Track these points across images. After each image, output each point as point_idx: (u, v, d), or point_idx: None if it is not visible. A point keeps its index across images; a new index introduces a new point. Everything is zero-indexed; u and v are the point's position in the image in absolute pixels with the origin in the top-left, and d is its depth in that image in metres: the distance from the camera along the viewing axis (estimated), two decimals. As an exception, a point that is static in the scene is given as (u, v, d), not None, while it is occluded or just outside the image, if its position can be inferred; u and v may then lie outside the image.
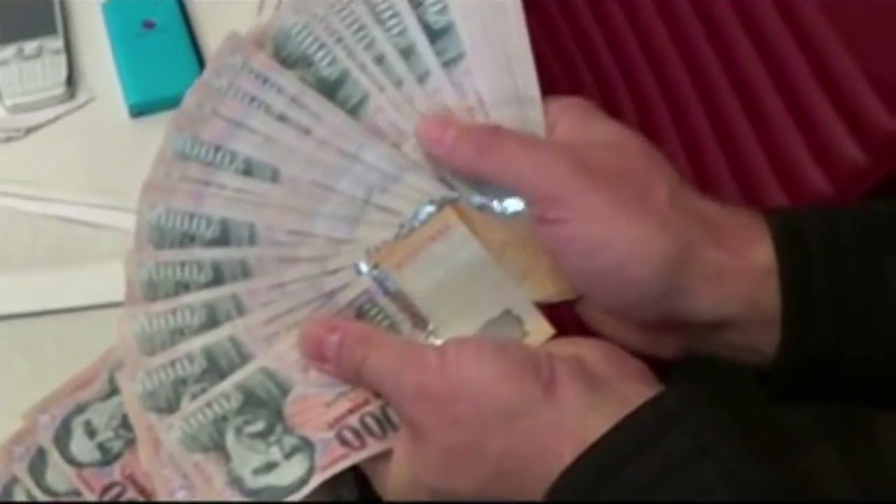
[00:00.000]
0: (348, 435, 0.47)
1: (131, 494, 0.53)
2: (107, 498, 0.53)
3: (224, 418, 0.48)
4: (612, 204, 0.46)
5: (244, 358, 0.48)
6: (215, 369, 0.48)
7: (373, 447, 0.47)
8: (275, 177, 0.49)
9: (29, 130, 0.73)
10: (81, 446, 0.54)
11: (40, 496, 0.53)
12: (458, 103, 0.51)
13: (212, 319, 0.48)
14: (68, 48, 0.76)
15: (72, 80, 0.74)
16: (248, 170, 0.49)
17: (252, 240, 0.49)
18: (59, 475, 0.53)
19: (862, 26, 0.71)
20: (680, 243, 0.46)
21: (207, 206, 0.49)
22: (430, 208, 0.49)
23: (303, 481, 0.47)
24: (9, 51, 0.74)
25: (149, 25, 0.77)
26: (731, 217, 0.48)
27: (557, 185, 0.46)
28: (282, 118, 0.49)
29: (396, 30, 0.51)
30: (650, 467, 0.40)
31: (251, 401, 0.48)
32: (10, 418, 0.55)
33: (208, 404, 0.48)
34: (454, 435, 0.44)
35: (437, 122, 0.50)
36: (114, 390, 0.56)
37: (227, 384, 0.48)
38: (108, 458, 0.54)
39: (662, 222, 0.46)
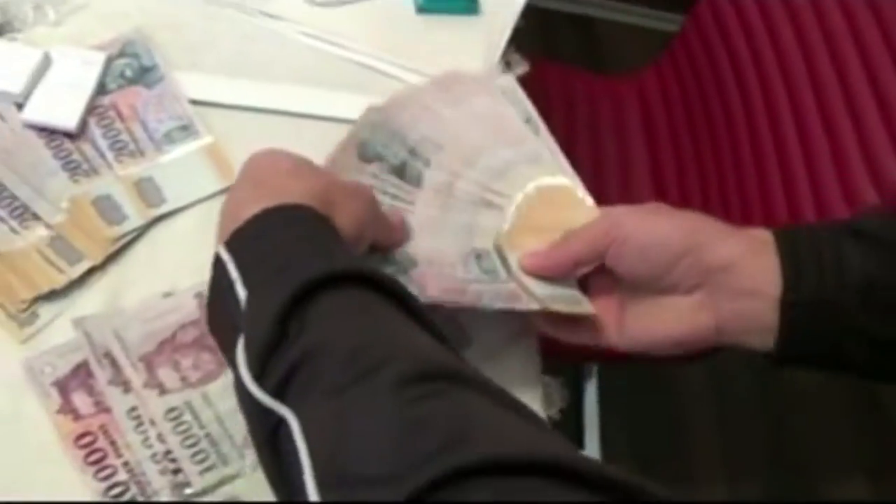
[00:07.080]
0: None
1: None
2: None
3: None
4: (638, 211, 0.65)
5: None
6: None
7: None
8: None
9: (343, 2, 0.92)
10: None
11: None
12: None
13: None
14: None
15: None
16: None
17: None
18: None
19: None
20: (690, 227, 0.62)
21: None
22: None
23: None
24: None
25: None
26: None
27: (605, 226, 0.65)
28: None
29: None
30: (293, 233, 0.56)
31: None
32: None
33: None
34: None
35: (538, 258, 0.69)
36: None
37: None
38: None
39: (674, 216, 0.64)
